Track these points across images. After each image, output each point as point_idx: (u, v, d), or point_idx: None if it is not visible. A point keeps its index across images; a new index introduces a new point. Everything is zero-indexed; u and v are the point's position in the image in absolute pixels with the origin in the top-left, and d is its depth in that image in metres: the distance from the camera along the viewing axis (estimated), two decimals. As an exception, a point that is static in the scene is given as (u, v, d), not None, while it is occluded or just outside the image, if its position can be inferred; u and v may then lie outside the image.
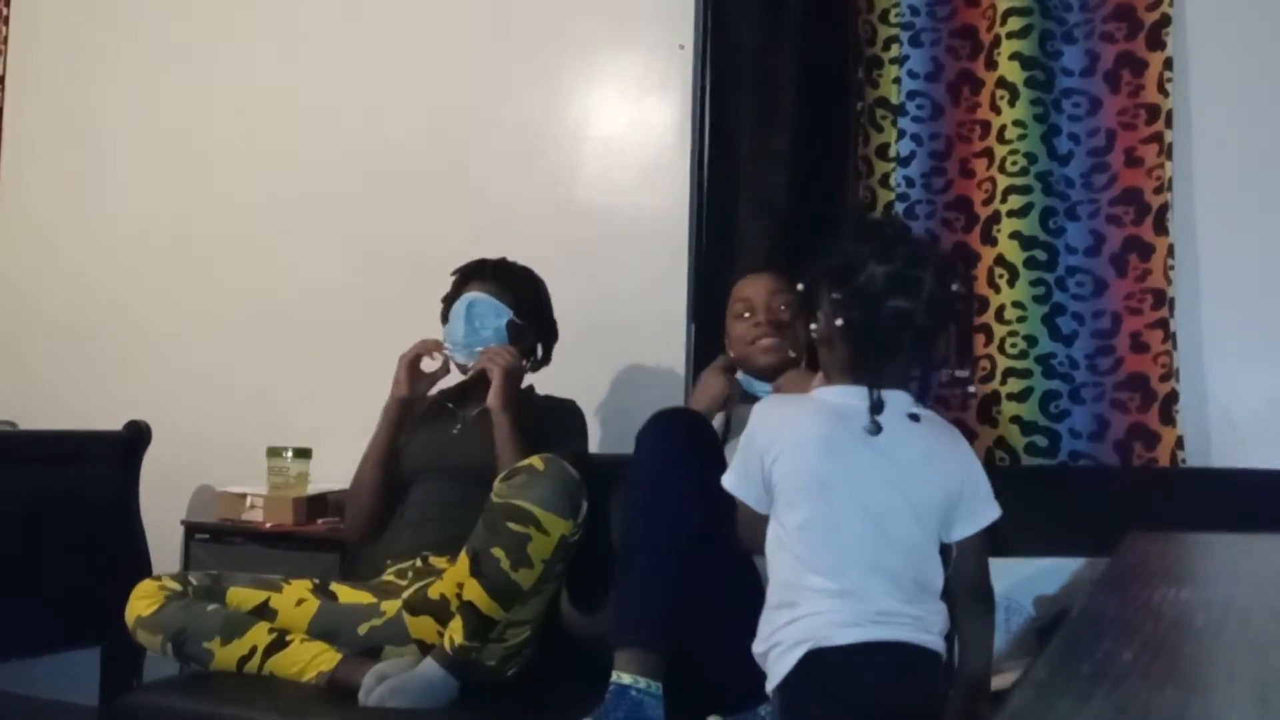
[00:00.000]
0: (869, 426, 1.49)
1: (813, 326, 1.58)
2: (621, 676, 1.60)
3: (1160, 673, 0.51)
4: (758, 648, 1.52)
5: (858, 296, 1.50)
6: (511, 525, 1.80)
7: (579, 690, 1.71)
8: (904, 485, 1.50)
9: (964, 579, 1.57)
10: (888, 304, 1.49)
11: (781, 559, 1.52)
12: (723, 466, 1.64)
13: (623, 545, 1.78)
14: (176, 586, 2.03)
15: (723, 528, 1.64)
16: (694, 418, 1.85)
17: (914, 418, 1.53)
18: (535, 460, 1.86)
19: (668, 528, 1.70)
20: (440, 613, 1.94)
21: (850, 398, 1.52)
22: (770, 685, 1.48)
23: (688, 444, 1.77)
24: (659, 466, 1.74)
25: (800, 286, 1.61)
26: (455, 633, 1.83)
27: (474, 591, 1.83)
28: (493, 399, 2.17)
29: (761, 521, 1.56)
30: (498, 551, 1.81)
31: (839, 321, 1.51)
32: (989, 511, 1.56)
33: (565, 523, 1.82)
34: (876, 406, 1.49)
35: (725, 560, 1.73)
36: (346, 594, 2.07)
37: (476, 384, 2.30)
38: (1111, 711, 0.43)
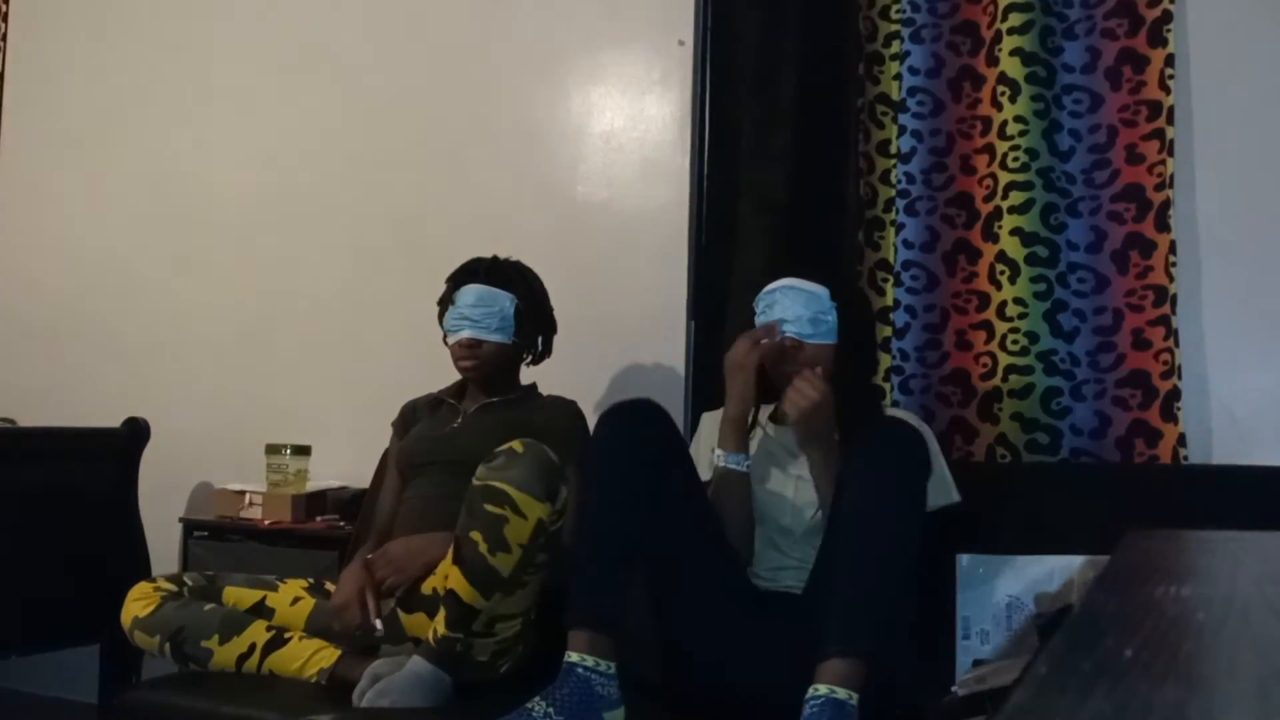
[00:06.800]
0: None
1: None
2: (571, 655, 1.65)
3: (1161, 670, 0.50)
4: None
5: None
6: (489, 507, 1.78)
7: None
8: None
9: None
10: None
11: None
12: (681, 455, 1.84)
13: (574, 533, 1.83)
14: (172, 587, 2.03)
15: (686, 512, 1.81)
16: (647, 408, 1.85)
17: None
18: (515, 443, 1.83)
19: (613, 514, 1.74)
20: (433, 608, 1.92)
21: None
22: None
23: (636, 433, 1.79)
24: (605, 457, 1.78)
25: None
26: (439, 624, 1.83)
27: (455, 579, 1.81)
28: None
29: None
30: (475, 535, 1.78)
31: None
32: None
33: (541, 506, 1.79)
34: None
35: (690, 544, 1.84)
36: None
37: (478, 381, 2.30)
38: (1112, 708, 0.43)
